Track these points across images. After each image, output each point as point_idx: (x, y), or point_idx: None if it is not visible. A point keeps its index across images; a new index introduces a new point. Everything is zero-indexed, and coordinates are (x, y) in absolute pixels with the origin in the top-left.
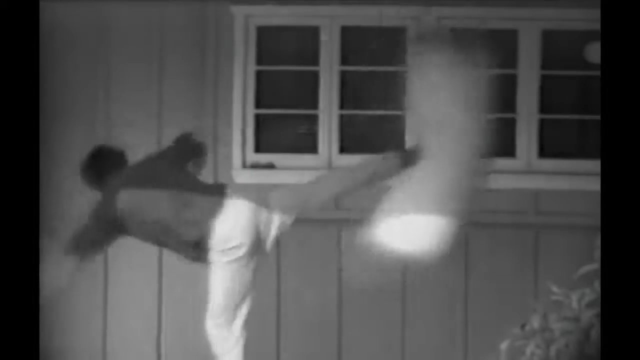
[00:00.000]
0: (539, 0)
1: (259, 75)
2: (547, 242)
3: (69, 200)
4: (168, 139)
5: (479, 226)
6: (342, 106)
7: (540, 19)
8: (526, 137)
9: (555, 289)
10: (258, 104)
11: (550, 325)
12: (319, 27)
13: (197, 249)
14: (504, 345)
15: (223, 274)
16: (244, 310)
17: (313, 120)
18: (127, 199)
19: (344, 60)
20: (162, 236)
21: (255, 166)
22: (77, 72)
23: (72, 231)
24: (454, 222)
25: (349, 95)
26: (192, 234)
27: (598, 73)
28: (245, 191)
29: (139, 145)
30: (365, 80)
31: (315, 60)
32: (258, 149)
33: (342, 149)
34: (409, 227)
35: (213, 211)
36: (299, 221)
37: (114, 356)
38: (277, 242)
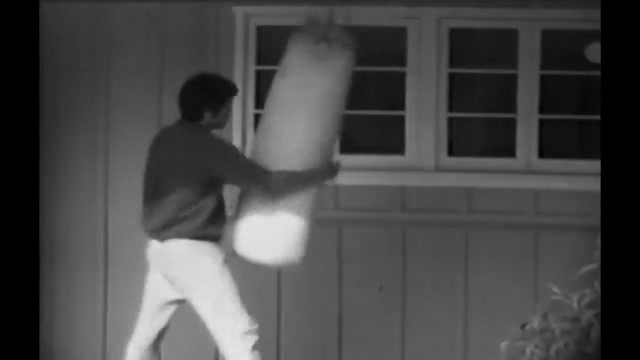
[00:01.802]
0: (539, 0)
1: (259, 75)
2: (547, 242)
3: (69, 199)
4: None
5: (479, 226)
6: None
7: (540, 19)
8: (526, 137)
9: (555, 289)
10: (258, 104)
11: (550, 325)
12: None
13: None
14: (504, 345)
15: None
16: None
17: None
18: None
19: None
20: None
21: None
22: (77, 72)
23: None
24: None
25: (348, 95)
26: None
27: (598, 73)
28: None
29: (139, 144)
30: (365, 80)
31: None
32: None
33: (342, 149)
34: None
35: None
36: None
37: (114, 356)
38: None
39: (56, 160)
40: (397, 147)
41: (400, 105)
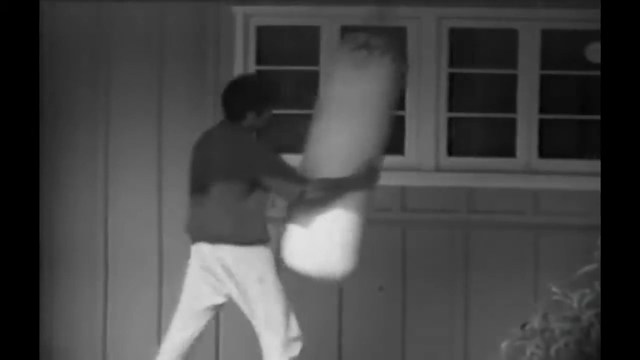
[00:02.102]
0: (539, 0)
1: (259, 75)
2: (547, 242)
3: (69, 199)
4: (168, 138)
5: (479, 226)
6: None
7: (540, 19)
8: (526, 137)
9: (555, 289)
10: None
11: (550, 325)
12: (319, 27)
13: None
14: (504, 345)
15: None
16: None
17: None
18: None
19: None
20: None
21: None
22: (77, 72)
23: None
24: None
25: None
26: None
27: (598, 73)
28: None
29: (138, 144)
30: None
31: (315, 60)
32: None
33: None
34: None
35: None
36: None
37: (114, 356)
38: (277, 241)
39: (56, 160)
40: (397, 147)
41: (400, 105)
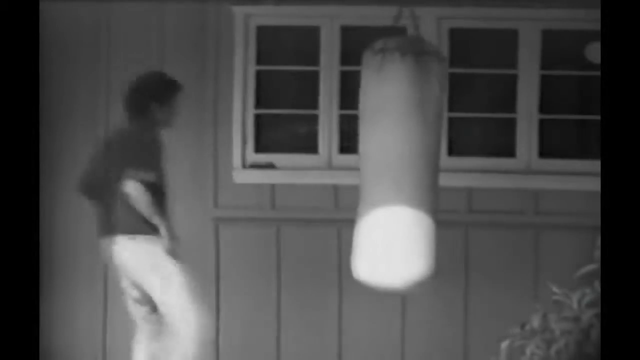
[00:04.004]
0: (539, 1)
1: (259, 75)
2: (547, 242)
3: (69, 199)
4: (168, 138)
5: (479, 226)
6: (342, 106)
7: (540, 19)
8: (526, 137)
9: (555, 289)
10: (258, 104)
11: (551, 325)
12: (319, 27)
13: None
14: (504, 345)
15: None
16: None
17: (313, 120)
18: None
19: (344, 60)
20: None
21: (255, 166)
22: (77, 72)
23: None
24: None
25: (348, 95)
26: None
27: (598, 73)
28: None
29: None
30: None
31: (315, 60)
32: (258, 149)
33: (342, 149)
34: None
35: None
36: (299, 221)
37: (114, 356)
38: (277, 241)
39: (56, 160)
40: None
41: None
